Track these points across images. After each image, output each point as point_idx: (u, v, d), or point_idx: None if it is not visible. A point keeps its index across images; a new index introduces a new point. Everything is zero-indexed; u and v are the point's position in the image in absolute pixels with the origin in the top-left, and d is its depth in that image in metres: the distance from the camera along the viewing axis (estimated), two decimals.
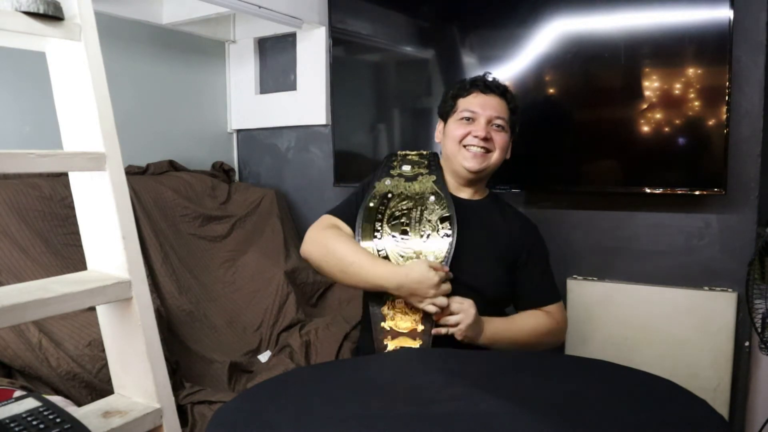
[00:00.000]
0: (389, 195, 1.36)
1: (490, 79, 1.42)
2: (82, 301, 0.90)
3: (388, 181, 1.38)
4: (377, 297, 1.32)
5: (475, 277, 1.32)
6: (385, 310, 1.31)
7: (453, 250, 1.28)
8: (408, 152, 1.48)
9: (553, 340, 1.41)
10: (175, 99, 2.35)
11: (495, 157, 1.36)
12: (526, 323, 1.36)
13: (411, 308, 1.28)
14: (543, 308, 1.40)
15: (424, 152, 1.47)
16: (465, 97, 1.39)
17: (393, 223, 1.32)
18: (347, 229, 1.36)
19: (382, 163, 1.46)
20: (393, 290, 1.26)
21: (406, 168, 1.41)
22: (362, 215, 1.34)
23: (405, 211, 1.33)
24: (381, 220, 1.32)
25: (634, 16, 1.65)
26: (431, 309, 1.24)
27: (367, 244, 1.32)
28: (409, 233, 1.30)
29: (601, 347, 1.76)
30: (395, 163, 1.43)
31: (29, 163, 0.87)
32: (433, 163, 1.42)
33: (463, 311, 1.25)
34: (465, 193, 1.42)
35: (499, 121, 1.36)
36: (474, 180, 1.39)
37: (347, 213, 1.38)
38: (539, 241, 1.44)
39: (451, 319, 1.25)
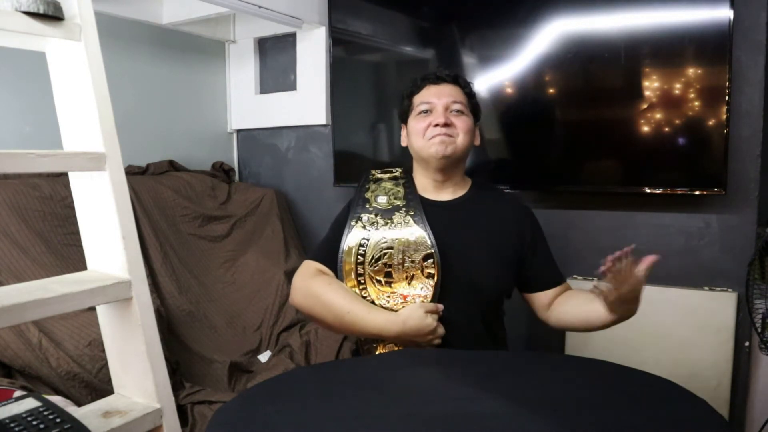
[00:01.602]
0: (367, 235, 1.30)
1: (439, 71, 1.39)
2: (82, 301, 0.90)
3: (364, 217, 1.32)
4: (369, 344, 1.31)
5: (473, 281, 1.30)
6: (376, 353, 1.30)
7: (439, 290, 1.26)
8: (380, 175, 1.42)
9: None
10: (175, 99, 2.35)
11: (461, 140, 1.31)
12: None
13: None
14: (559, 287, 1.37)
15: (397, 172, 1.42)
16: (419, 93, 1.37)
17: (375, 266, 1.28)
18: (332, 273, 1.32)
19: (356, 190, 1.40)
20: (391, 339, 1.25)
21: (382, 200, 1.35)
22: (342, 258, 1.30)
23: (386, 251, 1.28)
24: (362, 263, 1.29)
25: (634, 16, 1.65)
26: None
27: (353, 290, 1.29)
28: (393, 275, 1.27)
29: (601, 347, 1.76)
30: (369, 194, 1.37)
31: (29, 163, 0.87)
32: (409, 189, 1.36)
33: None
34: (446, 194, 1.37)
35: (456, 106, 1.33)
36: (447, 169, 1.34)
37: (329, 254, 1.33)
38: (535, 225, 1.40)
39: None
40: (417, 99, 1.37)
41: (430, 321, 1.22)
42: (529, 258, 1.36)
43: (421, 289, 1.27)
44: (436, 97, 1.33)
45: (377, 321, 1.24)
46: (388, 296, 1.28)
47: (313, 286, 1.30)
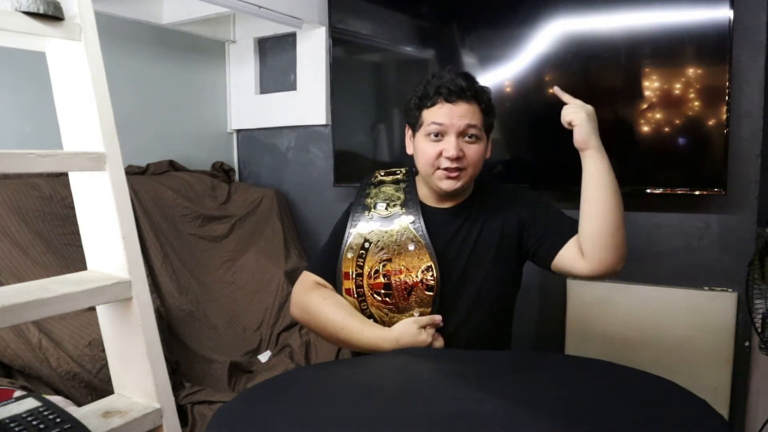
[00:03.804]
0: (366, 245, 1.27)
1: (454, 83, 1.21)
2: (82, 301, 0.90)
3: (363, 225, 1.28)
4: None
5: (475, 291, 1.26)
6: None
7: (439, 300, 1.23)
8: (383, 178, 1.37)
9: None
10: (175, 99, 2.35)
11: (470, 173, 1.23)
12: None
13: None
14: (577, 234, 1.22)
15: (400, 175, 1.36)
16: (430, 108, 1.22)
17: (374, 278, 1.25)
18: (330, 286, 1.31)
19: (357, 194, 1.36)
20: None
21: (381, 207, 1.30)
22: (340, 270, 1.27)
23: (385, 262, 1.25)
24: (361, 275, 1.26)
25: (634, 16, 1.65)
26: None
27: (349, 300, 1.27)
28: (392, 287, 1.24)
29: (601, 347, 1.76)
30: (369, 200, 1.32)
31: (29, 163, 0.87)
32: (410, 194, 1.31)
33: (571, 112, 1.23)
34: (449, 203, 1.31)
35: (472, 131, 1.21)
36: (453, 194, 1.29)
37: (328, 265, 1.30)
38: (527, 199, 1.31)
39: (567, 116, 1.26)
40: (427, 115, 1.23)
41: (425, 337, 1.19)
42: (530, 230, 1.26)
43: (421, 301, 1.24)
44: (449, 119, 1.20)
45: (370, 338, 1.21)
46: (388, 309, 1.25)
47: (309, 301, 1.28)
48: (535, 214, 1.27)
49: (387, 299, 1.25)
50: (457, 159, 1.20)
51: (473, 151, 1.22)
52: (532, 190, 1.90)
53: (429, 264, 1.23)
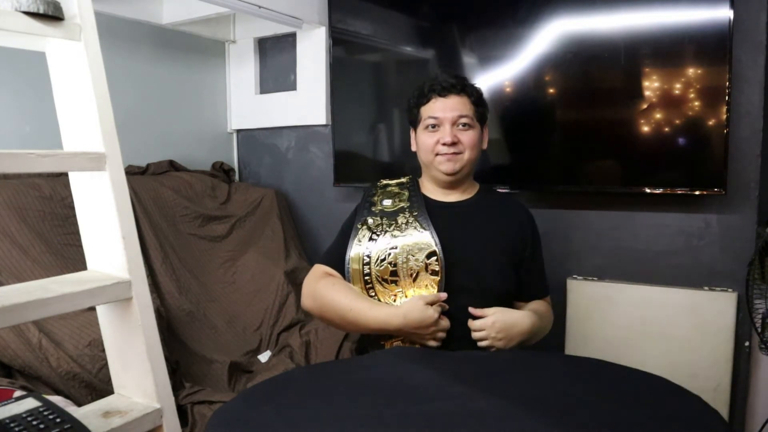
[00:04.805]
0: (373, 236, 1.34)
1: (445, 81, 1.38)
2: (82, 301, 0.90)
3: (370, 220, 1.37)
4: (375, 341, 1.33)
5: (479, 279, 1.32)
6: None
7: (444, 286, 1.29)
8: (388, 182, 1.48)
9: (549, 328, 1.46)
10: (175, 99, 2.35)
11: (467, 156, 1.37)
12: (542, 311, 1.41)
13: (410, 344, 1.30)
14: (540, 300, 1.45)
15: (404, 180, 1.47)
16: (426, 104, 1.39)
17: (381, 266, 1.31)
18: (339, 275, 1.37)
19: (363, 196, 1.45)
20: (394, 332, 1.28)
21: (387, 202, 1.40)
22: (349, 260, 1.34)
23: (391, 250, 1.31)
24: (369, 263, 1.32)
25: (634, 16, 1.65)
26: (433, 344, 1.26)
27: (357, 288, 1.33)
28: (398, 274, 1.30)
29: (601, 347, 1.76)
30: (376, 198, 1.42)
31: (29, 163, 0.87)
32: (413, 192, 1.42)
33: (486, 328, 1.27)
34: (453, 196, 1.43)
35: (464, 120, 1.36)
36: (455, 182, 1.41)
37: (337, 257, 1.37)
38: (536, 232, 1.46)
39: (477, 335, 1.28)
40: (424, 111, 1.39)
41: (431, 313, 1.23)
42: (526, 265, 1.41)
43: (426, 286, 1.29)
44: (443, 112, 1.36)
45: (379, 316, 1.26)
46: (394, 295, 1.31)
47: (319, 288, 1.35)
48: (535, 252, 1.44)
49: (394, 285, 1.31)
50: (453, 144, 1.35)
51: (467, 136, 1.37)
52: (532, 192, 1.91)
53: (433, 250, 1.29)
